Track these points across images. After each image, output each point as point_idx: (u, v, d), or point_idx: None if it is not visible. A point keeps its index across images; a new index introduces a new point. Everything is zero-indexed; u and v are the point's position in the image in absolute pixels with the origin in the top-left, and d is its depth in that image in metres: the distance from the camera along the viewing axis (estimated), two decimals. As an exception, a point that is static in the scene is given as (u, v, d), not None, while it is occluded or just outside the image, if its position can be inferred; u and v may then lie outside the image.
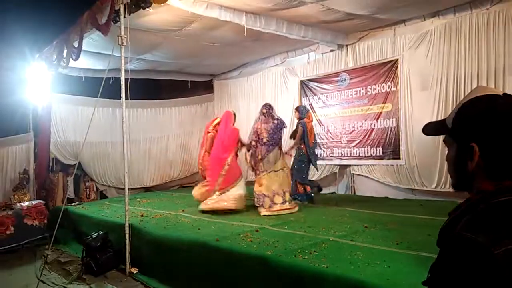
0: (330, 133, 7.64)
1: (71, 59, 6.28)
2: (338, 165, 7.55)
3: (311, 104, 7.97)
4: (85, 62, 7.53)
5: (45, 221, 6.88)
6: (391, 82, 6.70)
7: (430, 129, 1.09)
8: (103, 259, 4.92)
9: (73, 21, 6.18)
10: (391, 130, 6.73)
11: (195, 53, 7.89)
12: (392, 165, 6.72)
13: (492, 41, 5.54)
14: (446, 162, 1.07)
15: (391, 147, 6.74)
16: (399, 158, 6.61)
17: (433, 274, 0.93)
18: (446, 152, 1.06)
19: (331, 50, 7.56)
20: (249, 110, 9.18)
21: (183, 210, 6.09)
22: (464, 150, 0.95)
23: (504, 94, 0.95)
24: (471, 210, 0.92)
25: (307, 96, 8.04)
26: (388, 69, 6.73)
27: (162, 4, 4.89)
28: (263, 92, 8.99)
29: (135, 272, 4.71)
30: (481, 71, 5.64)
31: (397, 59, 6.60)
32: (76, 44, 6.08)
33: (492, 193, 0.91)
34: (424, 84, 6.29)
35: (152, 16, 5.62)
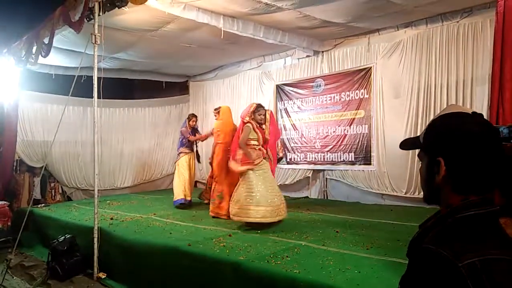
0: (304, 137, 7.71)
1: (40, 55, 6.07)
2: (311, 169, 7.62)
3: (286, 108, 8.02)
4: (56, 59, 7.31)
5: (9, 223, 6.61)
6: (364, 89, 6.83)
7: (406, 144, 1.14)
8: (69, 263, 4.77)
9: (45, 17, 5.98)
10: (363, 136, 6.85)
11: (170, 54, 7.80)
12: (363, 170, 6.84)
13: (462, 52, 5.73)
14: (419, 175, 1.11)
15: (362, 153, 6.86)
16: (370, 164, 6.74)
17: (402, 285, 0.95)
18: (420, 165, 1.10)
19: (307, 56, 7.64)
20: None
21: (154, 214, 5.98)
22: (432, 163, 0.99)
23: (473, 112, 1.00)
24: (440, 224, 0.95)
25: (282, 100, 8.09)
26: (361, 76, 6.85)
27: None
28: (239, 95, 8.98)
29: (103, 277, 4.58)
30: (450, 81, 5.83)
31: (371, 67, 6.74)
32: (46, 41, 5.89)
33: (459, 207, 0.94)
34: (396, 92, 6.44)
35: (128, 15, 5.51)
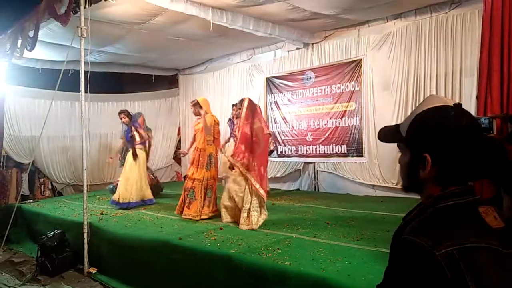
0: (295, 130, 7.71)
1: (25, 49, 5.96)
2: (302, 162, 7.64)
3: (276, 101, 8.00)
4: (42, 53, 7.20)
5: (-3, 219, 6.52)
6: (355, 82, 6.84)
7: (385, 135, 1.12)
8: (59, 259, 4.73)
9: (30, 9, 5.86)
10: (355, 129, 6.87)
11: (159, 47, 7.71)
12: (356, 162, 6.87)
13: (450, 43, 5.76)
14: (399, 165, 1.10)
15: (355, 145, 6.88)
16: (362, 156, 6.77)
17: (385, 276, 0.96)
18: (399, 154, 1.09)
19: (297, 48, 7.61)
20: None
21: (144, 208, 5.95)
22: (417, 159, 0.98)
23: (455, 104, 0.99)
24: (421, 214, 0.97)
25: (272, 93, 8.07)
26: (352, 68, 6.85)
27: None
28: (229, 88, 8.94)
29: (94, 272, 4.55)
30: (439, 72, 5.86)
31: (361, 59, 6.74)
32: (31, 34, 5.78)
33: (439, 197, 0.95)
34: (386, 84, 6.46)
35: (115, 7, 5.42)
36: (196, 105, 5.41)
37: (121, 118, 6.40)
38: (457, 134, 0.93)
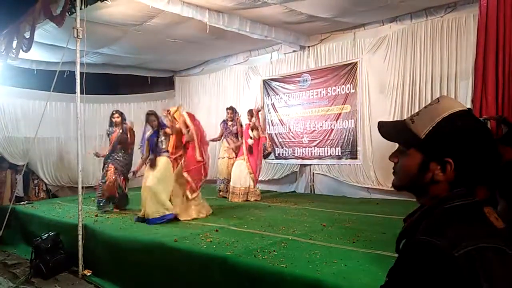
0: (292, 132, 7.72)
1: (21, 50, 5.93)
2: (299, 164, 7.65)
3: (273, 103, 8.01)
4: (38, 54, 7.16)
5: (-10, 221, 6.45)
6: (350, 84, 6.86)
7: (389, 133, 1.06)
8: (53, 261, 4.70)
9: (25, 10, 5.84)
10: (349, 131, 6.90)
11: (155, 49, 7.70)
12: (350, 164, 6.89)
13: (446, 47, 5.80)
14: (398, 164, 1.04)
15: (349, 147, 6.90)
16: (356, 158, 6.79)
17: (392, 278, 0.94)
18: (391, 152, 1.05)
19: (294, 51, 7.63)
20: (210, 108, 9.15)
21: (140, 210, 5.91)
22: (431, 162, 0.96)
23: (468, 109, 0.99)
24: (428, 215, 0.95)
25: (269, 96, 8.08)
26: (348, 71, 6.88)
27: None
28: (225, 90, 8.95)
29: (89, 274, 4.52)
30: (435, 75, 5.90)
31: (357, 62, 6.77)
32: (27, 35, 5.75)
33: (445, 198, 0.94)
34: (381, 86, 6.49)
35: (111, 8, 5.42)
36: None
37: (150, 122, 5.47)
38: (484, 143, 0.94)
